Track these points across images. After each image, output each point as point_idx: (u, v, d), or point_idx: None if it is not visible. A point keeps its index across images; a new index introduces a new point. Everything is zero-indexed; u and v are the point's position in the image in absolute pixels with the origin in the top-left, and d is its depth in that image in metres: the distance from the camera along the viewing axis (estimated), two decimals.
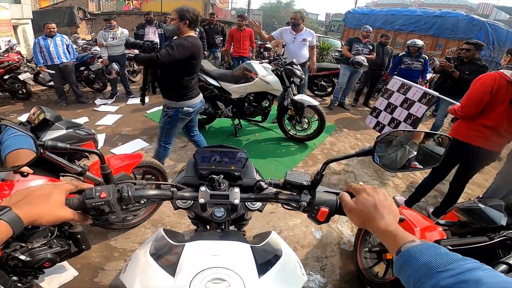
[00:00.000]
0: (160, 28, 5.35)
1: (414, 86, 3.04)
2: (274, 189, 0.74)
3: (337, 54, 7.76)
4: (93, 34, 13.16)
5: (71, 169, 0.94)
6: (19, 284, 1.35)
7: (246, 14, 10.11)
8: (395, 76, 3.37)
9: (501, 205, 1.31)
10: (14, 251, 1.29)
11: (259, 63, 3.64)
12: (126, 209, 0.63)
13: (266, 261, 0.62)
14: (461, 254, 0.45)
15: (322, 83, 6.05)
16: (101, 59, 5.08)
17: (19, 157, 0.70)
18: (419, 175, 3.47)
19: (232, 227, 0.78)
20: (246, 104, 3.66)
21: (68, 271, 1.79)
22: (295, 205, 0.69)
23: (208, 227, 0.83)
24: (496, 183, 2.44)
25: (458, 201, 2.42)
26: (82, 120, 4.23)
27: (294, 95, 3.57)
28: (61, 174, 1.40)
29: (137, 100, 5.23)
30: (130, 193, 0.60)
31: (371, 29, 5.39)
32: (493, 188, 2.45)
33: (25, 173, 0.94)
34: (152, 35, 5.23)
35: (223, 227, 0.76)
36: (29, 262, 1.32)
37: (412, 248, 0.46)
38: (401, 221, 0.64)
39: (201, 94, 2.53)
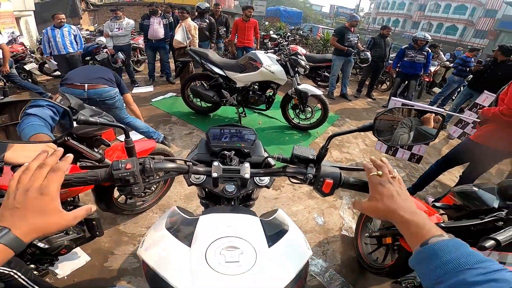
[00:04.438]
0: (165, 19, 5.31)
1: (416, 105, 3.01)
2: (281, 167, 0.78)
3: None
4: (96, 25, 12.81)
5: (91, 156, 0.96)
6: (35, 272, 1.36)
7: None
8: (393, 98, 3.30)
9: (494, 188, 1.36)
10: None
11: (264, 53, 3.69)
12: (147, 181, 0.67)
13: (274, 233, 0.65)
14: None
15: (326, 74, 6.05)
16: (106, 49, 5.13)
17: (40, 139, 0.70)
18: (421, 166, 3.52)
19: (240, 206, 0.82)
20: (250, 92, 3.71)
21: (80, 257, 1.81)
22: (302, 178, 0.72)
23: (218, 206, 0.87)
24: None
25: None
26: None
27: (298, 84, 3.61)
28: (78, 161, 1.41)
29: (142, 89, 5.28)
30: (151, 165, 0.65)
31: (359, 18, 5.59)
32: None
33: None
34: (157, 25, 5.18)
35: (233, 203, 0.80)
36: (47, 250, 1.34)
37: (441, 242, 0.45)
38: None
39: None
